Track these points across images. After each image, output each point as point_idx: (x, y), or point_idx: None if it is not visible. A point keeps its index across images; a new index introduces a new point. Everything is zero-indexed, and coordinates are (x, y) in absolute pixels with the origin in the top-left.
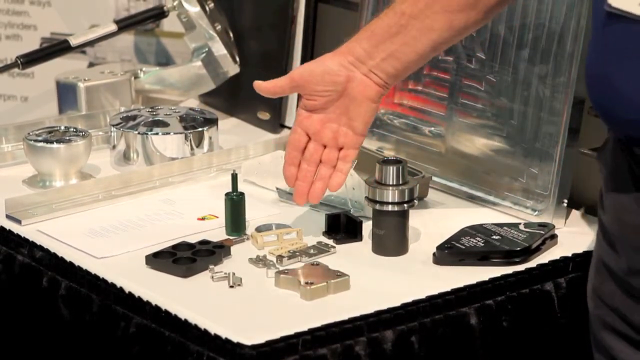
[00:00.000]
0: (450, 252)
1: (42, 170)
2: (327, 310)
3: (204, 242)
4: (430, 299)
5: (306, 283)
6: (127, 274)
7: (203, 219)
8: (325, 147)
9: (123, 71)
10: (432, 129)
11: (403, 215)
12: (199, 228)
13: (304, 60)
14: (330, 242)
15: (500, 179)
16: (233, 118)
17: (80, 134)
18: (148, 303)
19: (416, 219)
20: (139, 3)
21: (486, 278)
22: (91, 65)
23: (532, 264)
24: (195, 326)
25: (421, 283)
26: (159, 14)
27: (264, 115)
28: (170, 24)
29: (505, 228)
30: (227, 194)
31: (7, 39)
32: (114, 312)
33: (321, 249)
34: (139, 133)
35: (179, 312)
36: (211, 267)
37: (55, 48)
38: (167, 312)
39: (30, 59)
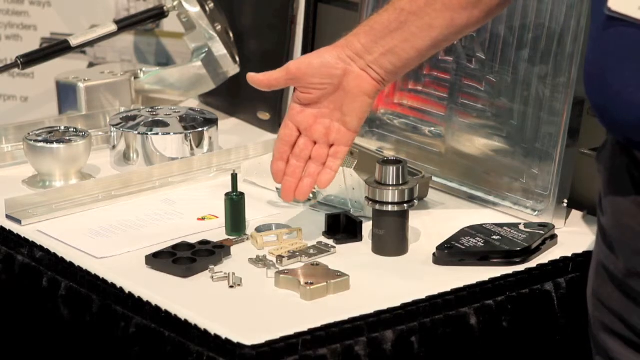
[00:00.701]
0: (450, 253)
1: (42, 170)
2: (327, 310)
3: (204, 242)
4: (430, 299)
5: (306, 283)
6: (127, 274)
7: (203, 219)
8: (315, 143)
9: (123, 71)
10: (432, 129)
11: (403, 216)
12: (199, 228)
13: None
14: (330, 242)
15: (500, 179)
16: (233, 118)
17: (80, 134)
18: (148, 303)
19: (416, 219)
20: (139, 3)
21: (486, 278)
22: (91, 65)
23: (532, 264)
24: (195, 326)
25: (421, 283)
26: (158, 14)
27: (264, 116)
28: (170, 24)
29: (505, 228)
30: (227, 194)
31: (7, 39)
32: (114, 312)
33: (321, 249)
34: (139, 133)
35: (179, 312)
36: (211, 267)
37: (55, 48)
38: (167, 312)
39: (30, 59)
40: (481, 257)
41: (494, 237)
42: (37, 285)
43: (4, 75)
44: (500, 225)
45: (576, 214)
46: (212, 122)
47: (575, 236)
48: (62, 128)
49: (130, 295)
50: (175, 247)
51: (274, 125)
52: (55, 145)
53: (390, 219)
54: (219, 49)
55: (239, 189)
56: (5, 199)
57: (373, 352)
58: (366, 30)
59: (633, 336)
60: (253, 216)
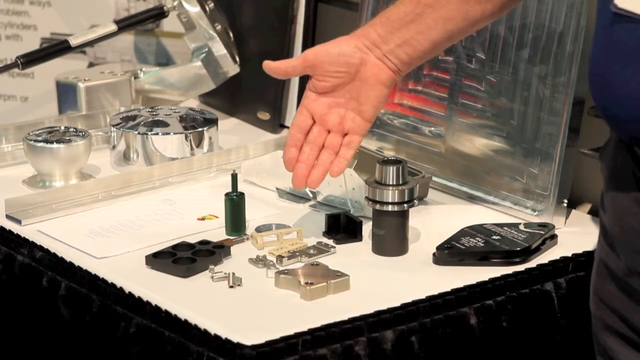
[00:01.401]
0: (450, 252)
1: (42, 170)
2: (327, 310)
3: (203, 242)
4: (430, 299)
5: (306, 283)
6: (127, 274)
7: (203, 219)
8: (329, 132)
9: (123, 71)
10: (432, 129)
11: (403, 216)
12: (199, 228)
13: None
14: (330, 242)
15: (500, 179)
16: (233, 118)
17: (80, 134)
18: (148, 303)
19: (416, 219)
20: (139, 3)
21: (486, 278)
22: (91, 65)
23: (532, 264)
24: (195, 326)
25: (421, 283)
26: (158, 14)
27: (264, 116)
28: (170, 24)
29: (505, 228)
30: (227, 194)
31: (7, 39)
32: (114, 312)
33: (321, 249)
34: (139, 133)
35: (179, 312)
36: (211, 267)
37: (55, 48)
38: (167, 312)
39: (30, 59)
40: (481, 257)
41: (494, 237)
42: (37, 285)
43: (4, 75)
44: (500, 225)
45: (576, 214)
46: (212, 122)
47: (575, 236)
48: (62, 128)
49: (130, 295)
50: (175, 247)
51: (274, 125)
52: (55, 145)
53: (390, 219)
54: (219, 49)
55: (239, 189)
56: (5, 199)
57: (373, 352)
58: (383, 21)
59: (634, 335)
60: (253, 216)
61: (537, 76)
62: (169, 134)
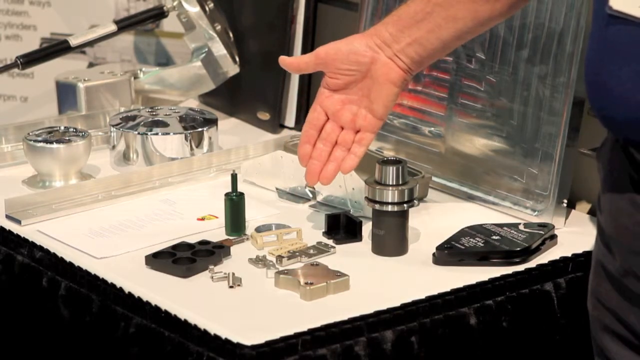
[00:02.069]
0: (449, 253)
1: (42, 170)
2: (327, 310)
3: (203, 243)
4: (430, 299)
5: (306, 283)
6: (127, 274)
7: (203, 219)
8: (342, 129)
9: (123, 71)
10: (432, 129)
11: (403, 216)
12: (199, 228)
13: None
14: (330, 242)
15: (500, 179)
16: (233, 118)
17: (80, 134)
18: (148, 303)
19: (416, 219)
20: (139, 3)
21: (486, 278)
22: (91, 65)
23: (532, 264)
24: (195, 326)
25: (421, 283)
26: (158, 14)
27: (264, 116)
28: (170, 24)
29: (505, 228)
30: (226, 194)
31: (6, 39)
32: (114, 312)
33: (321, 249)
34: (138, 133)
35: (178, 312)
36: (211, 267)
37: (55, 48)
38: (166, 313)
39: (30, 59)
40: (481, 257)
41: (494, 237)
42: (37, 286)
43: (4, 75)
44: (500, 226)
45: (576, 214)
46: (211, 122)
47: (575, 236)
48: (62, 128)
49: (130, 295)
50: (175, 247)
51: (273, 125)
52: (55, 145)
53: (390, 219)
54: (219, 49)
55: (239, 189)
56: (5, 199)
57: (373, 352)
58: (394, 20)
59: (630, 336)
60: (253, 216)
61: (537, 76)
62: (168, 134)
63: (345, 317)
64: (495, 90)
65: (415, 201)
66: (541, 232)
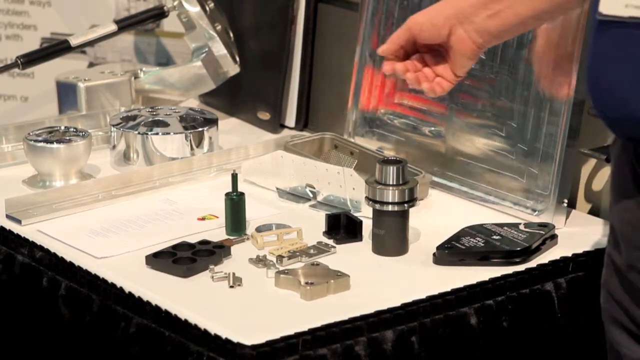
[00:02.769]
0: (450, 252)
1: (42, 170)
2: (327, 310)
3: (204, 242)
4: (431, 299)
5: (306, 283)
6: (127, 274)
7: (203, 219)
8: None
9: (123, 71)
10: (432, 128)
11: (403, 215)
12: (199, 228)
13: (304, 60)
14: (331, 242)
15: (500, 178)
16: (233, 118)
17: (80, 134)
18: (148, 303)
19: (416, 219)
20: (139, 3)
21: (486, 278)
22: (91, 65)
23: (532, 264)
24: (195, 326)
25: (421, 283)
26: (159, 14)
27: (264, 116)
28: (170, 24)
29: (505, 228)
30: (227, 194)
31: (7, 39)
32: (114, 312)
33: (321, 249)
34: (139, 133)
35: (179, 312)
36: (211, 267)
37: (55, 48)
38: (167, 312)
39: (30, 59)
40: (481, 257)
41: (494, 237)
42: (37, 285)
43: (4, 75)
44: (501, 225)
45: (576, 214)
46: (212, 122)
47: (575, 236)
48: (62, 128)
49: (131, 295)
50: (175, 247)
51: (274, 125)
52: (55, 145)
53: (390, 219)
54: (219, 49)
55: (239, 189)
56: (5, 198)
57: (373, 352)
58: None
59: (635, 328)
60: (253, 216)
61: None
62: (169, 133)
63: (345, 317)
64: (496, 90)
65: (415, 201)
66: (541, 232)
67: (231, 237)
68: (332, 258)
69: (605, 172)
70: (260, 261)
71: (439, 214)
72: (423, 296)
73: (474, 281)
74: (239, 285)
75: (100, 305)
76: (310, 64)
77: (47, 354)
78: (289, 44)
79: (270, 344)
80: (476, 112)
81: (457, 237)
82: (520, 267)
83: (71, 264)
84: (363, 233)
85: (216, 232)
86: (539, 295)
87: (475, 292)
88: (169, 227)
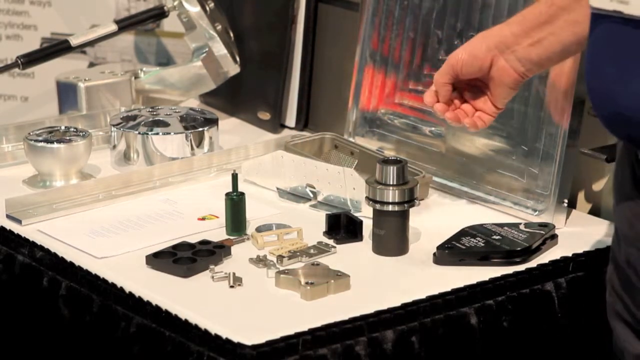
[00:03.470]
0: (450, 252)
1: (43, 170)
2: (328, 310)
3: (204, 242)
4: (431, 299)
5: (306, 283)
6: (128, 274)
7: (203, 219)
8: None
9: (123, 71)
10: (433, 129)
11: (403, 215)
12: (200, 228)
13: (304, 60)
14: (331, 242)
15: (500, 179)
16: (233, 118)
17: (81, 134)
18: (148, 303)
19: (416, 219)
20: (139, 3)
21: (486, 278)
22: (91, 65)
23: (533, 264)
24: (196, 326)
25: (421, 283)
26: (159, 14)
27: (264, 115)
28: (170, 24)
29: (505, 228)
30: (227, 194)
31: (7, 39)
32: (115, 312)
33: (321, 249)
34: (139, 133)
35: (179, 312)
36: (211, 267)
37: (55, 48)
38: (167, 312)
39: (30, 59)
40: (481, 257)
41: (495, 237)
42: (38, 285)
43: (5, 75)
44: (501, 225)
45: (577, 214)
46: (212, 122)
47: (575, 236)
48: (63, 128)
49: (131, 295)
50: (175, 247)
51: (274, 125)
52: (55, 145)
53: (390, 219)
54: (220, 49)
55: (240, 189)
56: (5, 198)
57: (373, 352)
58: (519, 20)
59: (635, 324)
60: (253, 216)
61: (538, 76)
62: (169, 133)
63: (345, 317)
64: None
65: (415, 201)
66: (542, 231)
67: (231, 237)
68: (332, 258)
69: (606, 172)
70: (261, 261)
71: (439, 214)
72: (423, 296)
73: (474, 281)
74: (239, 285)
75: (100, 305)
76: (311, 64)
77: (47, 354)
78: (289, 44)
79: (270, 344)
80: None
81: (457, 237)
82: (521, 267)
83: (71, 264)
84: (363, 233)
85: (216, 232)
86: (539, 295)
87: (475, 292)
88: (169, 227)
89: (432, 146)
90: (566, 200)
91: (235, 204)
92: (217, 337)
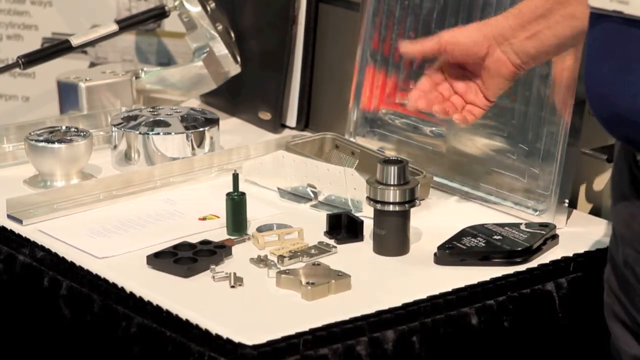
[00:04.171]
0: (451, 252)
1: (43, 170)
2: (328, 310)
3: (205, 242)
4: (432, 299)
5: (307, 283)
6: (128, 274)
7: (204, 219)
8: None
9: (124, 71)
10: (433, 128)
11: (404, 215)
12: (200, 228)
13: (305, 60)
14: (332, 242)
15: (501, 179)
16: (234, 118)
17: (82, 134)
18: (149, 303)
19: (417, 219)
20: (140, 3)
21: (487, 278)
22: (92, 65)
23: (533, 264)
24: (197, 326)
25: (422, 283)
26: (160, 13)
27: (265, 115)
28: (171, 23)
29: (506, 228)
30: (228, 194)
31: (8, 39)
32: (115, 312)
33: (322, 249)
34: (140, 133)
35: (180, 312)
36: (212, 267)
37: (56, 48)
38: (168, 312)
39: (31, 59)
40: (482, 257)
41: (495, 237)
42: (38, 285)
43: (5, 75)
44: (502, 225)
45: (577, 214)
46: (213, 122)
47: (576, 236)
48: (63, 128)
49: (132, 295)
50: (176, 247)
51: (275, 125)
52: (56, 145)
53: (391, 219)
54: (220, 49)
55: (240, 189)
56: (6, 198)
57: (374, 351)
58: (515, 13)
59: (630, 322)
60: (254, 216)
61: (538, 76)
62: (170, 133)
63: (346, 317)
64: None
65: (416, 201)
66: (542, 232)
67: (232, 237)
68: (333, 258)
69: (606, 172)
70: (262, 261)
71: (440, 214)
72: (424, 296)
73: (475, 281)
74: (240, 285)
75: (101, 305)
76: (312, 64)
77: (48, 354)
78: (290, 44)
79: (271, 344)
80: None
81: (458, 237)
82: (521, 267)
83: (72, 264)
84: (364, 233)
85: (217, 232)
86: (540, 295)
87: (476, 292)
88: (170, 227)
89: (432, 146)
90: (567, 200)
91: (236, 204)
92: (218, 337)
